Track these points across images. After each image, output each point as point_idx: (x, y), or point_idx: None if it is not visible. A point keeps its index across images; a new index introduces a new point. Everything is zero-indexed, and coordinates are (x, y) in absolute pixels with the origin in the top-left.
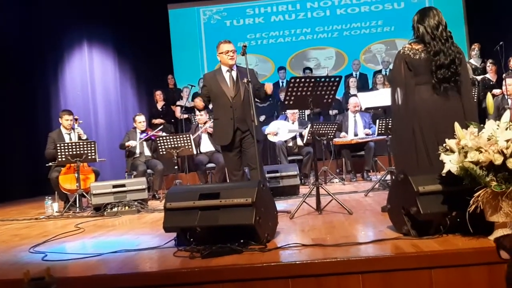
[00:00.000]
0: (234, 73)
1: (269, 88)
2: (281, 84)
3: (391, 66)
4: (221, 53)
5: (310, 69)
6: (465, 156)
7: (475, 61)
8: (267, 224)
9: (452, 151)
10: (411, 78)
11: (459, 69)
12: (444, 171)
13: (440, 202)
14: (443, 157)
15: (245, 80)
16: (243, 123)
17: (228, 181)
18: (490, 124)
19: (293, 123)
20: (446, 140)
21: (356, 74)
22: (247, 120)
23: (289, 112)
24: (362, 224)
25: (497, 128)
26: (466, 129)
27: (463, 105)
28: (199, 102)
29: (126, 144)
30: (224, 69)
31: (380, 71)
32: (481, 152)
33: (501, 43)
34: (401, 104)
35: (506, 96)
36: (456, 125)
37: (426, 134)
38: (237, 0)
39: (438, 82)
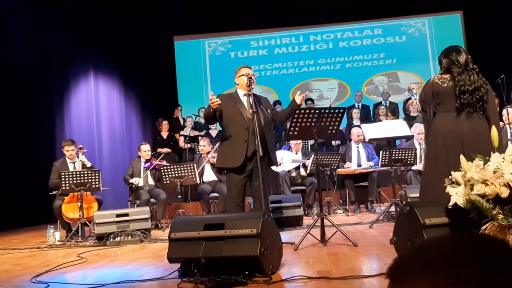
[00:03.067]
0: (251, 98)
1: (298, 99)
2: None
3: (391, 98)
4: (241, 75)
5: (312, 100)
6: (471, 189)
7: None
8: (272, 255)
9: (458, 184)
10: (434, 106)
11: (485, 97)
12: (451, 203)
13: None
14: (449, 189)
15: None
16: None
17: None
18: (495, 157)
19: (296, 153)
20: (452, 172)
21: (358, 106)
22: (265, 147)
23: (292, 142)
24: (367, 257)
25: (503, 161)
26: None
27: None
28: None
29: (130, 181)
30: (241, 92)
31: (380, 103)
32: (487, 185)
33: (502, 76)
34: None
35: (507, 127)
36: (462, 158)
37: (452, 165)
38: (242, 32)
39: (461, 105)
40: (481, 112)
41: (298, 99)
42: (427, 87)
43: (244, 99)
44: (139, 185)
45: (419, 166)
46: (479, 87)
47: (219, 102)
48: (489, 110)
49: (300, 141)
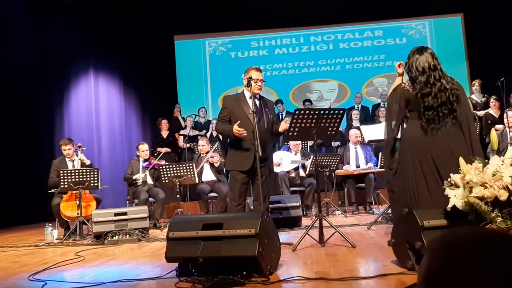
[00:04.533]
0: (257, 101)
1: (282, 127)
2: (280, 117)
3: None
4: (247, 78)
5: (310, 101)
6: (470, 191)
7: (476, 97)
8: (270, 256)
9: (457, 186)
10: (405, 113)
11: (455, 106)
12: (449, 205)
13: None
14: (448, 191)
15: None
16: (263, 151)
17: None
18: (494, 159)
19: (295, 154)
20: (451, 175)
21: (358, 107)
22: (266, 149)
23: (292, 143)
24: (365, 258)
25: (502, 164)
26: (469, 163)
27: (466, 139)
28: (218, 127)
29: (134, 177)
30: (248, 94)
31: (379, 104)
32: (486, 187)
33: (502, 79)
34: (394, 135)
35: (508, 130)
36: (461, 160)
37: (417, 170)
38: (242, 32)
39: (427, 122)
40: (454, 120)
41: (283, 127)
42: (399, 92)
43: (250, 101)
44: (139, 182)
45: None
46: (445, 102)
47: (245, 133)
48: (461, 117)
49: (299, 142)
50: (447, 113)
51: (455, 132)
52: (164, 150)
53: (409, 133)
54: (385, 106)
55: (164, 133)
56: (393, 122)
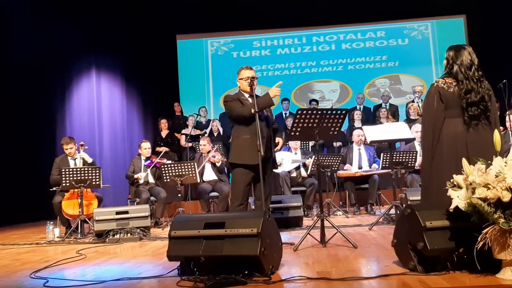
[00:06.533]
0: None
1: (278, 147)
2: (284, 115)
3: (392, 101)
4: (242, 79)
5: (316, 101)
6: (473, 192)
7: None
8: (272, 255)
9: (460, 187)
10: (442, 111)
11: (489, 105)
12: (452, 206)
13: (447, 238)
14: (451, 192)
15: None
16: (265, 150)
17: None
18: (497, 160)
19: (295, 153)
20: (454, 175)
21: (360, 108)
22: (270, 149)
23: (291, 142)
24: (367, 258)
25: (505, 165)
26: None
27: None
28: (240, 110)
29: (135, 176)
30: (246, 95)
31: (380, 105)
32: (489, 188)
33: (504, 81)
34: (430, 137)
35: (509, 132)
36: (464, 161)
37: (447, 168)
38: (245, 32)
39: (469, 118)
40: (486, 120)
41: (278, 147)
42: (433, 92)
43: (251, 100)
44: (141, 181)
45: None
46: (483, 97)
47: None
48: (492, 117)
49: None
50: (483, 110)
51: (489, 130)
52: (162, 149)
53: (443, 133)
54: (387, 107)
55: (164, 133)
56: (431, 124)
